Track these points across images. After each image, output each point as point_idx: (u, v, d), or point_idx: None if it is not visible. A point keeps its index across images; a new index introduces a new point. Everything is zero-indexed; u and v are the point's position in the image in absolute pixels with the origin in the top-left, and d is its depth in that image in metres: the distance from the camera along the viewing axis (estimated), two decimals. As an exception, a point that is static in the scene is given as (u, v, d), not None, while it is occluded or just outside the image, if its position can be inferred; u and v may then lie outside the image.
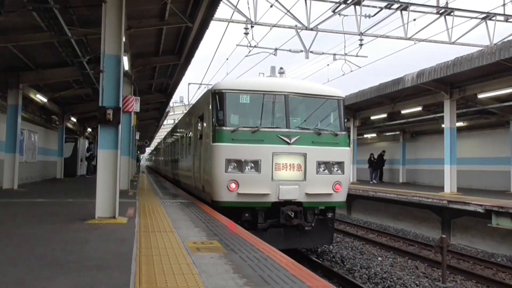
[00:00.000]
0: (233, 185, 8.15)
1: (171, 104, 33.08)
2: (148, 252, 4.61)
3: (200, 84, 29.96)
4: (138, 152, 48.15)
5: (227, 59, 22.37)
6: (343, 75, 19.45)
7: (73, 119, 22.00)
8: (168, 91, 21.01)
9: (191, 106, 15.46)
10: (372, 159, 22.71)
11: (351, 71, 19.56)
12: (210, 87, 9.57)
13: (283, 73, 9.66)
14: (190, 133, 11.90)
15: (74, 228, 6.10)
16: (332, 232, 9.28)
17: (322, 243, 9.36)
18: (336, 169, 8.66)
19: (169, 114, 36.03)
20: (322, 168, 8.58)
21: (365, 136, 26.39)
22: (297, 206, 8.38)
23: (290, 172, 8.34)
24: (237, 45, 17.65)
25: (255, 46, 16.66)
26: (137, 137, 24.13)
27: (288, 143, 8.35)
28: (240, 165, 8.20)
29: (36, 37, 10.82)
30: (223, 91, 8.60)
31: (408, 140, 23.54)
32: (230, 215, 7.75)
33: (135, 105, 12.65)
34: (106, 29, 6.91)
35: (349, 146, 9.10)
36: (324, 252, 10.90)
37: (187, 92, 34.50)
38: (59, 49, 11.15)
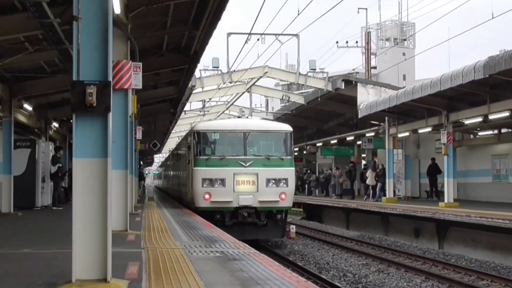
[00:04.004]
0: (207, 196, 20.41)
1: (197, 73, 32.61)
2: None
3: (250, 34, 29.34)
4: (141, 163, 48.59)
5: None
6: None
7: (28, 107, 22.76)
8: (193, 50, 21.28)
9: (183, 136, 32.22)
10: None
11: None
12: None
13: (244, 114, 24.82)
14: (184, 157, 26.42)
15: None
16: (284, 230, 22.06)
17: (273, 236, 22.37)
18: (282, 183, 20.81)
19: (195, 91, 35.86)
20: (271, 183, 20.65)
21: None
22: (251, 209, 20.29)
23: (246, 186, 20.42)
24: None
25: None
26: (139, 135, 24.39)
27: (244, 166, 20.50)
28: (211, 182, 20.54)
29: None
30: (201, 131, 21.80)
31: None
32: (207, 217, 18.97)
33: (134, 77, 12.83)
34: None
35: (293, 167, 22.38)
36: None
37: (226, 49, 33.19)
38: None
